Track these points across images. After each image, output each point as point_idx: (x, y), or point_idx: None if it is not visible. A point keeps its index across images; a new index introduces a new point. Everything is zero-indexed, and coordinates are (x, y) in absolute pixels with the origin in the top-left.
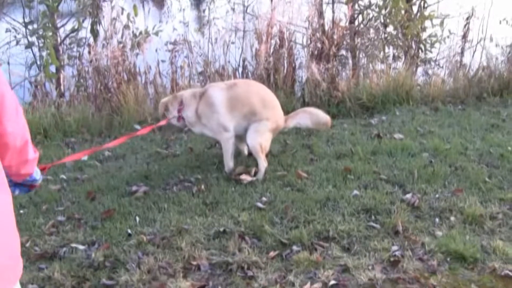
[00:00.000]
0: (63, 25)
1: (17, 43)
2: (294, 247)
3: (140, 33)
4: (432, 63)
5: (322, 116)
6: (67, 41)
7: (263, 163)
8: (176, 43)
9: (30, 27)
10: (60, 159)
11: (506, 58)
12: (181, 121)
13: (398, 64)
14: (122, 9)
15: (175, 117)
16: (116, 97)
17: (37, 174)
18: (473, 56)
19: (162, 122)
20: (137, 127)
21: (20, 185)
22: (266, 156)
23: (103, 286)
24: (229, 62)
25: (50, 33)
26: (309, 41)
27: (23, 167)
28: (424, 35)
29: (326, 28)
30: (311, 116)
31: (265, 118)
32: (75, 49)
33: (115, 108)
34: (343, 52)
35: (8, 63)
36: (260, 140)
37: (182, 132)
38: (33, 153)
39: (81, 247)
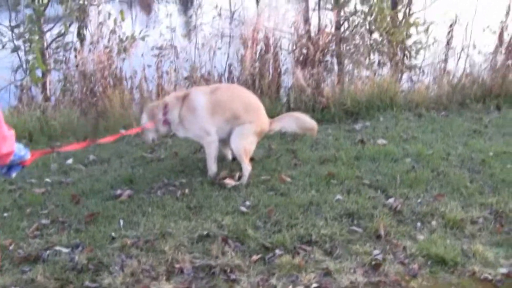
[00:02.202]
0: (49, 29)
1: (3, 46)
2: (277, 251)
3: (127, 38)
4: (417, 70)
5: (309, 121)
6: (54, 45)
7: (247, 167)
8: (162, 48)
9: (16, 30)
10: (45, 163)
11: (489, 65)
12: (166, 126)
13: (383, 71)
14: (109, 13)
15: (161, 120)
16: (102, 101)
17: (20, 151)
18: (457, 63)
19: (146, 126)
20: (123, 131)
21: (11, 167)
22: (251, 160)
23: None
24: (215, 67)
25: (37, 37)
26: (294, 47)
27: (3, 144)
28: (409, 42)
29: (312, 34)
30: (297, 121)
31: (248, 122)
32: (61, 53)
33: (100, 112)
34: (328, 58)
35: None
36: (244, 144)
37: (166, 137)
38: (7, 130)
39: (64, 250)
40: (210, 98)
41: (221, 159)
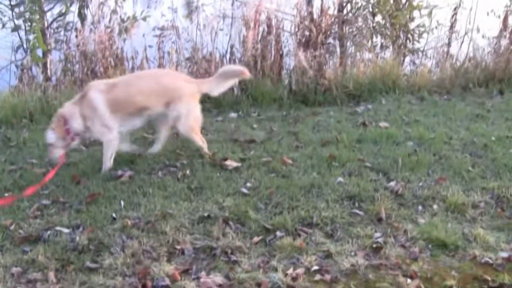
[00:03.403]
0: (50, 9)
1: (3, 26)
2: (278, 233)
3: (128, 18)
4: (420, 53)
5: (234, 67)
6: (54, 25)
7: (201, 145)
8: (164, 28)
9: (16, 10)
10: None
11: (492, 49)
12: (76, 139)
13: (386, 54)
14: None
15: (67, 137)
16: None
17: None
18: (460, 47)
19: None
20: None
21: None
22: (251, 142)
23: (87, 269)
24: (216, 48)
25: (37, 17)
26: (297, 29)
27: None
28: (412, 25)
29: (314, 16)
30: (225, 73)
31: (178, 102)
32: (62, 33)
33: None
34: (331, 40)
35: None
36: (188, 124)
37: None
38: None
39: (65, 230)
40: (107, 96)
41: (221, 140)
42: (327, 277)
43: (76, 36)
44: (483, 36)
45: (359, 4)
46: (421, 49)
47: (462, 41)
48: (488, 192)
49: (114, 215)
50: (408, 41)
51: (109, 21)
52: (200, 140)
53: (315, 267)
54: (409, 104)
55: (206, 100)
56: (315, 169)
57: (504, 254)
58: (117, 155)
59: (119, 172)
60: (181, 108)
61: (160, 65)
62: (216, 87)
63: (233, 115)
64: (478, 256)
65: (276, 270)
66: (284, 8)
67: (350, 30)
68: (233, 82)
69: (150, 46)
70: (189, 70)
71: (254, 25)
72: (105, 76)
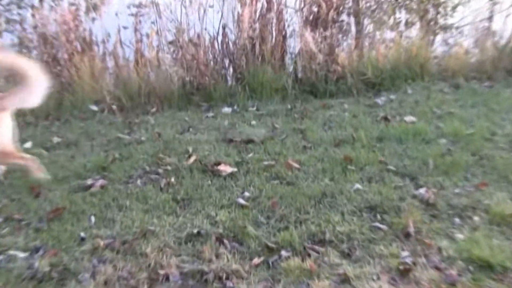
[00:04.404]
0: None
1: None
2: (283, 252)
3: None
4: (453, 31)
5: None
6: (5, 1)
7: (25, 164)
8: (141, 6)
9: None
10: None
11: None
12: None
13: (412, 32)
14: None
15: None
16: (67, 71)
17: None
18: (504, 21)
19: None
20: (93, 107)
21: None
22: (249, 143)
23: None
24: (205, 29)
25: None
26: (302, 4)
27: None
28: None
29: None
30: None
31: None
32: (15, 12)
33: (66, 85)
34: (344, 17)
35: None
36: None
37: (148, 114)
38: None
39: (21, 254)
40: None
41: (212, 140)
42: None
43: (33, 15)
44: None
45: None
46: (456, 25)
47: (507, 15)
48: None
49: (82, 234)
50: (439, 16)
51: None
52: (19, 160)
53: None
54: (441, 93)
55: (194, 93)
56: (327, 174)
57: None
58: (86, 160)
59: (89, 181)
60: None
61: (138, 51)
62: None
63: (226, 109)
64: None
65: None
66: None
67: (368, 4)
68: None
69: (125, 28)
70: (174, 56)
71: (251, 0)
72: (70, 64)
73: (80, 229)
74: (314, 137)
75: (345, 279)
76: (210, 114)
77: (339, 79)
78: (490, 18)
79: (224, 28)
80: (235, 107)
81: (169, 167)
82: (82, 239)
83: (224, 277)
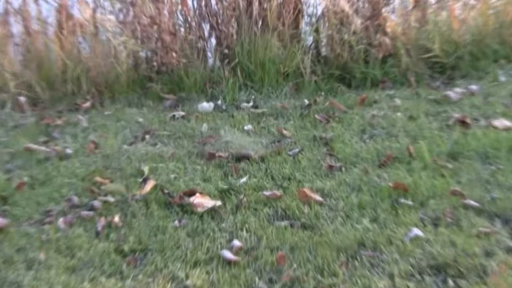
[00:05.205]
0: None
1: None
2: None
3: None
4: None
5: None
6: None
7: None
8: None
9: None
10: None
11: None
12: None
13: None
14: None
15: None
16: None
17: None
18: None
19: None
20: None
21: None
22: (245, 159)
23: None
24: None
25: None
26: None
27: None
28: None
29: None
30: None
31: None
32: None
33: None
34: None
35: None
36: None
37: (77, 112)
38: None
39: None
40: None
41: (182, 155)
42: None
43: None
44: None
45: None
46: None
47: None
48: None
49: None
50: None
51: None
52: None
53: None
54: None
55: (153, 78)
56: (366, 212)
57: None
58: None
59: None
60: None
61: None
62: None
63: (205, 106)
64: None
65: None
66: None
67: None
68: None
69: None
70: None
71: None
72: None
73: None
74: (346, 152)
75: None
76: (179, 112)
77: (388, 58)
78: None
79: None
80: (219, 102)
81: (111, 198)
82: None
83: None
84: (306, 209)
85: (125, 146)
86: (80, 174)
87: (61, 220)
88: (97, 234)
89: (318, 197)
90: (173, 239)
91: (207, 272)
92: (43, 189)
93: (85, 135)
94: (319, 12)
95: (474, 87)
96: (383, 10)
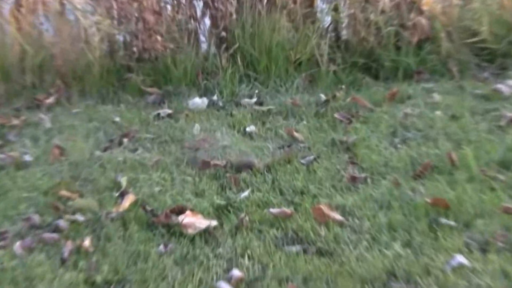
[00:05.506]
0: None
1: None
2: None
3: None
4: None
5: None
6: None
7: None
8: None
9: None
10: None
11: None
12: None
13: None
14: None
15: None
16: None
17: None
18: None
19: None
20: None
21: None
22: (247, 169)
23: None
24: None
25: None
26: None
27: None
28: None
29: None
30: None
31: None
32: None
33: None
34: None
35: None
36: None
37: (38, 109)
38: None
39: None
40: None
41: (168, 163)
42: None
43: None
44: None
45: None
46: None
47: None
48: None
49: None
50: None
51: None
52: None
53: None
54: None
55: (132, 68)
56: (398, 234)
57: None
58: None
59: None
60: None
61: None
62: None
63: (198, 102)
64: None
65: None
66: None
67: None
68: None
69: None
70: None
71: None
72: None
73: None
74: (373, 160)
75: None
76: (166, 110)
77: (424, 43)
78: None
79: None
80: (215, 97)
81: (80, 217)
82: None
83: None
84: (323, 231)
85: (98, 152)
86: (42, 187)
87: (18, 244)
88: (63, 261)
89: (337, 216)
90: (157, 268)
91: None
92: None
93: (48, 138)
94: None
95: None
96: None
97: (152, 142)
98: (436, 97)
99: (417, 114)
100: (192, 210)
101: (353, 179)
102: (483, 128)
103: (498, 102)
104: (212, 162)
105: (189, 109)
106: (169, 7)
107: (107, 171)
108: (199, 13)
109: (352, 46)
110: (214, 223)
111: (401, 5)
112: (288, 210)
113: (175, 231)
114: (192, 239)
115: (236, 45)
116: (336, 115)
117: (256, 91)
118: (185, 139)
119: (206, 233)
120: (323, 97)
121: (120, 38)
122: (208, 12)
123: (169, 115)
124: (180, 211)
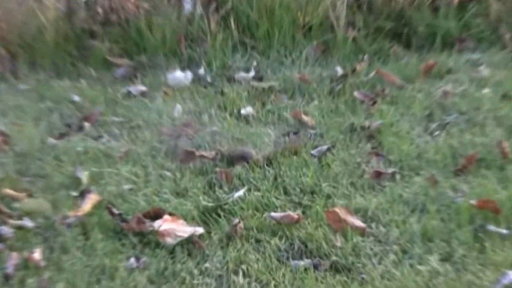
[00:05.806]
0: None
1: None
2: None
3: None
4: None
5: None
6: None
7: None
8: None
9: None
10: None
11: None
12: None
13: None
14: None
15: None
16: None
17: None
18: None
19: None
20: None
21: None
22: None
23: None
24: None
25: None
26: None
27: None
28: None
29: None
30: None
31: None
32: None
33: None
34: None
35: None
36: None
37: None
38: None
39: None
40: None
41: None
42: None
43: None
44: None
45: None
46: None
47: None
48: None
49: None
50: None
51: None
52: None
53: None
54: None
55: (95, 34)
56: (435, 245)
57: None
58: None
59: None
60: None
61: None
62: None
63: (180, 76)
64: None
65: None
66: None
67: None
68: None
69: None
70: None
71: None
72: None
73: None
74: (403, 152)
75: None
76: (138, 87)
77: (468, 4)
78: None
79: None
80: (202, 70)
81: (29, 223)
82: None
83: None
84: (338, 241)
85: (51, 140)
86: None
87: None
88: (7, 278)
89: (358, 222)
90: (130, 283)
91: None
92: None
93: None
94: None
95: None
96: None
97: (121, 127)
98: (484, 71)
99: (460, 92)
100: (171, 214)
101: (378, 175)
102: None
103: None
104: (197, 153)
105: (168, 85)
106: None
107: (64, 164)
108: None
109: (377, 7)
110: (199, 230)
111: None
112: (294, 214)
113: (149, 241)
114: (172, 251)
115: (229, 5)
116: (356, 94)
117: (254, 63)
118: (163, 124)
119: (189, 243)
120: (339, 70)
121: None
122: None
123: (142, 93)
124: (157, 215)
